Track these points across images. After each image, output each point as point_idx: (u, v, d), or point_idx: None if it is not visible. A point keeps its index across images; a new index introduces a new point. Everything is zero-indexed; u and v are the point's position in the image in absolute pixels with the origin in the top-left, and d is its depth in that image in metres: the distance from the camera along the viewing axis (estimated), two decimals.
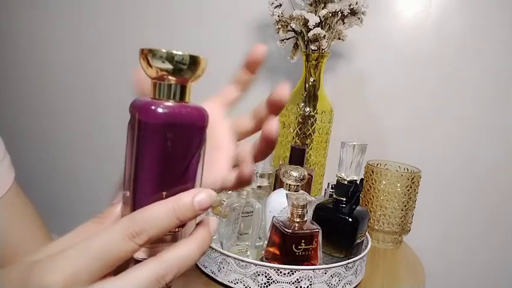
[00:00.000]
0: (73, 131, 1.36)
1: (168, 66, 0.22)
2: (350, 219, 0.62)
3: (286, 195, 0.59)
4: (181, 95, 0.24)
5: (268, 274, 0.54)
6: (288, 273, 0.54)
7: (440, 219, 0.98)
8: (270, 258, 0.58)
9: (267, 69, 1.07)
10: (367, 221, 0.66)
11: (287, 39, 0.85)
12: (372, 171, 0.79)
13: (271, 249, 0.58)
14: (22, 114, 1.41)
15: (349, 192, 0.63)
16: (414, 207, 0.80)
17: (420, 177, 0.79)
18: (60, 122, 1.38)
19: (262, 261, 0.57)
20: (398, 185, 0.77)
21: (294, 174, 0.65)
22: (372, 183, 0.79)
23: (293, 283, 0.55)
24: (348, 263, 0.58)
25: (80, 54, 1.29)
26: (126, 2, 1.20)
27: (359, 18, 0.81)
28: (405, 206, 0.78)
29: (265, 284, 0.55)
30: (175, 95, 0.23)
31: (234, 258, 0.56)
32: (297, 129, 0.86)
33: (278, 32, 0.83)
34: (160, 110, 0.22)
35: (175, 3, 1.14)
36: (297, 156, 0.77)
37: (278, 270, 0.54)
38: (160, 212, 0.22)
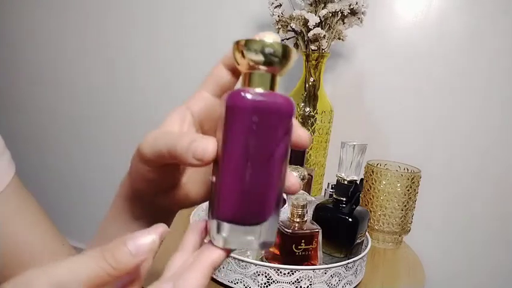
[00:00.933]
0: (73, 131, 1.36)
1: (260, 58, 0.23)
2: (350, 219, 0.62)
3: (286, 195, 0.59)
4: (271, 84, 0.24)
5: (268, 274, 0.55)
6: (288, 273, 0.54)
7: (440, 219, 0.98)
8: (270, 258, 0.58)
9: None
10: (367, 221, 0.66)
11: (287, 39, 0.85)
12: (372, 171, 0.79)
13: (271, 249, 0.59)
14: (22, 114, 1.41)
15: (349, 192, 0.63)
16: (414, 207, 0.80)
17: (420, 177, 0.79)
18: (61, 122, 1.38)
19: (262, 261, 0.57)
20: (398, 185, 0.77)
21: (294, 174, 0.65)
22: (372, 183, 0.79)
23: (293, 283, 0.55)
24: (348, 263, 0.58)
25: (81, 54, 1.29)
26: (126, 2, 1.20)
27: (359, 18, 0.81)
28: (405, 206, 0.78)
29: (265, 284, 0.55)
30: (265, 83, 0.24)
31: (234, 258, 0.56)
32: None
33: (278, 32, 0.83)
34: (247, 95, 0.22)
35: (176, 3, 1.14)
36: (297, 156, 0.77)
37: (278, 270, 0.54)
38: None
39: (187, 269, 0.22)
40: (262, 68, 0.23)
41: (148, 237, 0.22)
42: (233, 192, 0.23)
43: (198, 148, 0.22)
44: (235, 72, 0.27)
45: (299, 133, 0.25)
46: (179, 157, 0.23)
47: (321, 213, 0.64)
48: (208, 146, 0.22)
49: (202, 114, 0.28)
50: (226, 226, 0.23)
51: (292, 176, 0.25)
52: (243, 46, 0.23)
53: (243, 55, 0.23)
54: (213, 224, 0.23)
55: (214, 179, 0.24)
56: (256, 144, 0.23)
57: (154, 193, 0.30)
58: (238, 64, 0.24)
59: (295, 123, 0.25)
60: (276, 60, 0.23)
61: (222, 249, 0.23)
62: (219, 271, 0.58)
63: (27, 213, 0.46)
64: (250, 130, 0.22)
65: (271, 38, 0.24)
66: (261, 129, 0.22)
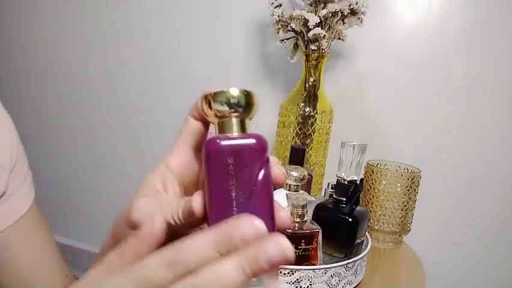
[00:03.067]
0: (75, 132, 1.36)
1: (225, 108, 0.25)
2: (350, 219, 0.62)
3: (286, 195, 0.59)
4: (241, 127, 0.26)
5: None
6: (288, 273, 0.54)
7: (440, 219, 0.98)
8: None
9: (267, 69, 1.07)
10: (367, 221, 0.66)
11: (287, 39, 0.85)
12: (372, 171, 0.79)
13: None
14: (25, 115, 1.41)
15: (349, 192, 0.63)
16: (414, 207, 0.80)
17: (420, 177, 0.79)
18: (62, 122, 1.38)
19: None
20: (398, 185, 0.77)
21: (294, 174, 0.65)
22: (372, 183, 0.79)
23: (293, 283, 0.55)
24: (348, 263, 0.58)
25: (83, 55, 1.29)
26: (127, 2, 1.20)
27: (359, 18, 0.81)
28: (405, 206, 0.78)
29: None
30: (235, 128, 0.26)
31: None
32: (297, 129, 0.86)
33: (278, 32, 0.83)
34: (220, 140, 0.24)
35: (176, 3, 1.14)
36: (297, 156, 0.76)
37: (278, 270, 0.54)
38: (199, 241, 0.22)
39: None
40: (230, 116, 0.26)
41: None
42: None
43: (188, 210, 0.24)
44: (204, 122, 0.29)
45: (274, 171, 0.26)
46: (176, 224, 0.25)
47: (321, 213, 0.64)
48: (196, 203, 0.24)
49: (182, 169, 0.29)
50: None
51: (283, 213, 0.26)
52: (208, 100, 0.25)
53: (210, 107, 0.25)
54: None
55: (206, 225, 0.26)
56: (237, 184, 0.24)
57: None
58: (207, 116, 0.27)
59: (273, 159, 0.26)
60: (240, 108, 0.25)
61: None
62: None
63: (38, 241, 0.46)
64: (228, 172, 0.24)
65: (234, 89, 0.25)
66: (238, 169, 0.24)
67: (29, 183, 0.46)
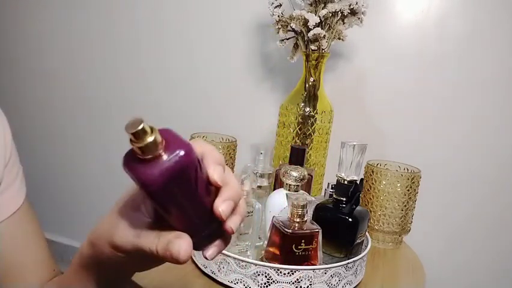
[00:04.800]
0: (74, 130, 1.36)
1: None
2: (350, 219, 0.62)
3: (286, 195, 0.59)
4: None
5: (268, 274, 0.55)
6: (288, 273, 0.54)
7: (440, 219, 0.98)
8: (270, 258, 0.58)
9: (267, 69, 1.07)
10: (367, 221, 0.66)
11: (287, 39, 0.85)
12: (372, 171, 0.79)
13: (271, 249, 0.58)
14: (24, 114, 1.41)
15: (349, 192, 0.63)
16: (414, 207, 0.80)
17: (420, 177, 0.79)
18: (62, 120, 1.38)
19: (262, 261, 0.57)
20: (398, 185, 0.77)
21: (294, 174, 0.66)
22: (372, 183, 0.79)
23: (293, 283, 0.55)
24: (348, 263, 0.58)
25: (82, 55, 1.29)
26: (126, 0, 1.20)
27: (359, 18, 0.81)
28: (405, 206, 0.78)
29: (265, 284, 0.55)
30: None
31: (234, 258, 0.56)
32: (297, 129, 0.86)
33: (278, 32, 0.83)
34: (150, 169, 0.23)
35: (175, 3, 1.14)
36: (297, 156, 0.77)
37: (278, 270, 0.54)
38: None
39: None
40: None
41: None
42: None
43: (172, 250, 0.26)
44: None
45: (209, 172, 0.27)
46: (160, 257, 0.26)
47: (321, 213, 0.64)
48: (181, 246, 0.26)
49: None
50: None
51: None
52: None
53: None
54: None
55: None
56: (188, 199, 0.26)
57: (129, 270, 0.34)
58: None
59: (208, 156, 0.27)
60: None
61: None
62: (219, 271, 0.58)
63: (29, 237, 0.47)
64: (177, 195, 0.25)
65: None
66: (182, 186, 0.25)
67: (20, 180, 0.47)
